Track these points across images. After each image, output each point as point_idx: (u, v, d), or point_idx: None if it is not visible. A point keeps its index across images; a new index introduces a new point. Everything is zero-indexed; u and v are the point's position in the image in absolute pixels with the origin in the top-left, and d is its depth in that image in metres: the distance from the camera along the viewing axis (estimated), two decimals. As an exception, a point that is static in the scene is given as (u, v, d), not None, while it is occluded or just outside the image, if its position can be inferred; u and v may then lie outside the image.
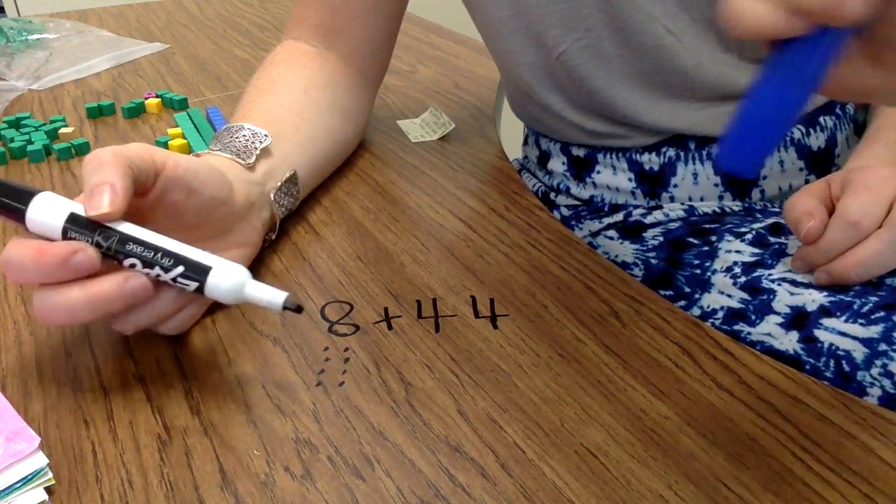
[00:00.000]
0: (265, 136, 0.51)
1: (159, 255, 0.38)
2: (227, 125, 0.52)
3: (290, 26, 0.68)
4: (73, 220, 0.38)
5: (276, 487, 0.34)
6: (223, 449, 0.36)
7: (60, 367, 0.41)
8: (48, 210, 0.38)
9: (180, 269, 0.38)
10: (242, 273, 0.38)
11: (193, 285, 0.38)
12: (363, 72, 0.67)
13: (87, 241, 0.37)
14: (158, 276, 0.38)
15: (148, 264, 0.38)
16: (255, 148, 0.50)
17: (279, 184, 0.51)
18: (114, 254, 0.38)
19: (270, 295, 0.38)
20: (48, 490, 0.34)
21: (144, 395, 0.39)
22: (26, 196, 0.38)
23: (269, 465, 0.35)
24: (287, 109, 0.57)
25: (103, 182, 0.37)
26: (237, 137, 0.51)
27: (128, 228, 0.38)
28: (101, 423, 0.37)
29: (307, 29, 0.66)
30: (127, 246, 0.38)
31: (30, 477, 0.33)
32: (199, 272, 0.38)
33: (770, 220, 0.55)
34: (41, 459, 0.34)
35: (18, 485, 0.33)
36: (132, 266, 0.38)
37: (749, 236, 0.53)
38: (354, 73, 0.66)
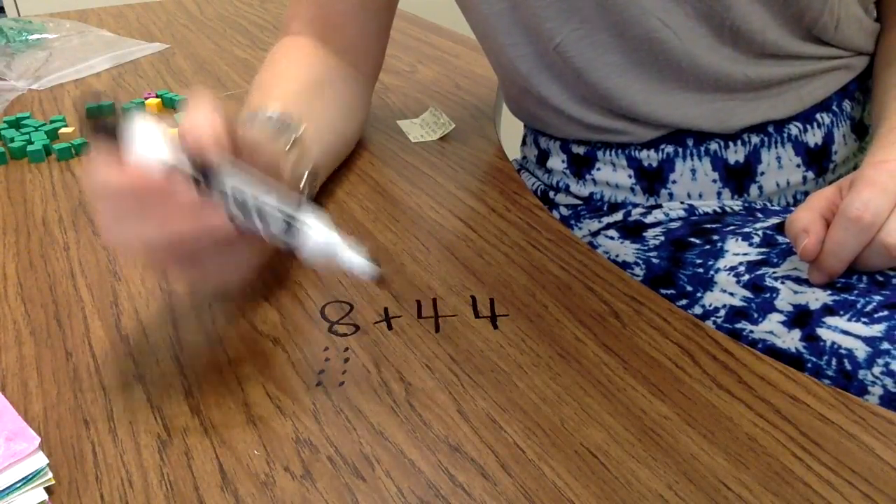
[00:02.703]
0: (297, 126, 0.51)
1: (266, 198, 0.37)
2: (254, 112, 0.51)
3: (285, 24, 0.70)
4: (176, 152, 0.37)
5: (276, 487, 0.34)
6: (223, 449, 0.36)
7: (60, 367, 0.41)
8: (150, 140, 0.37)
9: (282, 214, 0.37)
10: (334, 233, 0.37)
11: (290, 234, 0.37)
12: (358, 68, 0.67)
13: (191, 176, 0.36)
14: (258, 215, 0.37)
15: (243, 205, 0.37)
16: (290, 138, 0.50)
17: (306, 176, 0.51)
18: (212, 189, 0.36)
19: (360, 263, 0.37)
20: (48, 490, 0.34)
21: (144, 395, 0.39)
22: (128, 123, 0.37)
23: (269, 465, 0.35)
24: (300, 104, 0.57)
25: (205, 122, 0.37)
26: (270, 124, 0.50)
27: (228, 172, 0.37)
28: (101, 423, 0.37)
29: (302, 25, 0.67)
30: (227, 182, 0.37)
31: (30, 477, 0.33)
32: (295, 218, 0.37)
33: (773, 220, 0.55)
34: (41, 459, 0.34)
35: (18, 485, 0.33)
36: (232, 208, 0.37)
37: (757, 238, 0.53)
38: (351, 70, 0.66)
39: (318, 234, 0.37)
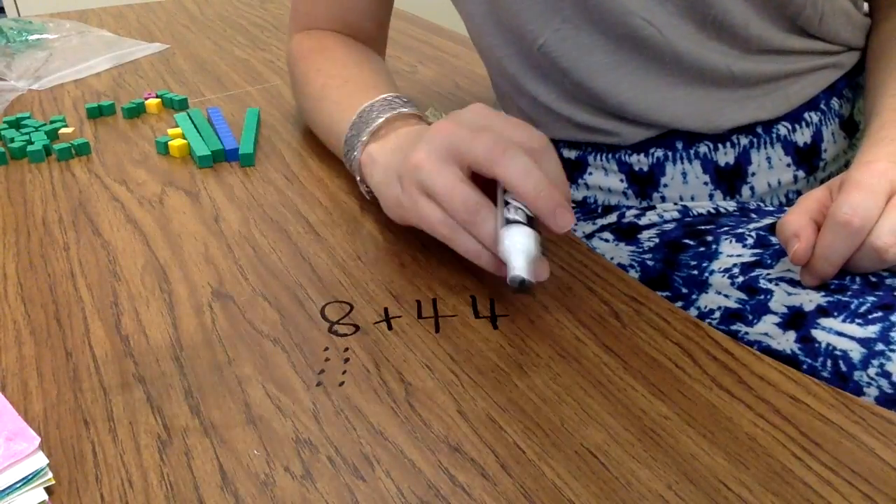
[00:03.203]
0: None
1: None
2: (387, 115, 0.55)
3: (297, 21, 0.73)
4: None
5: (276, 487, 0.34)
6: (223, 449, 0.36)
7: (60, 367, 0.41)
8: None
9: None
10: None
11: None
12: (379, 54, 0.72)
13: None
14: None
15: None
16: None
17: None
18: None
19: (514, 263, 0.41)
20: (48, 490, 0.34)
21: (144, 395, 0.39)
22: None
23: (269, 465, 0.35)
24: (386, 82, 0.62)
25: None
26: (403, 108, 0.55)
27: None
28: (101, 423, 0.37)
29: (322, 23, 0.71)
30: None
31: (30, 477, 0.33)
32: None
33: (767, 220, 0.55)
34: (41, 459, 0.34)
35: (18, 485, 0.33)
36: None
37: (750, 240, 0.53)
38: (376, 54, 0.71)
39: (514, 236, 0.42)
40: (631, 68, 0.57)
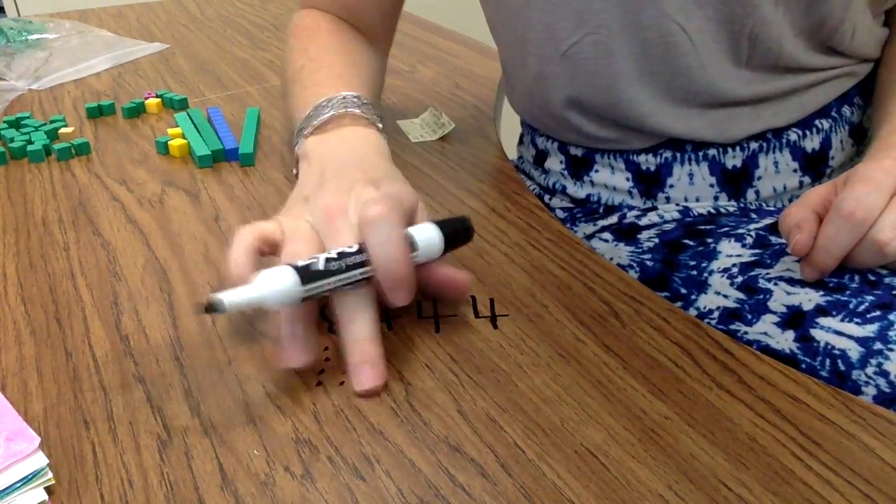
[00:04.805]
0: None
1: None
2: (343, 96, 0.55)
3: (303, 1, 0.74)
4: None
5: (276, 487, 0.34)
6: (223, 449, 0.36)
7: (60, 367, 0.41)
8: None
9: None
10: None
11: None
12: (376, 47, 0.71)
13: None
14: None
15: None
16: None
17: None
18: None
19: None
20: (48, 490, 0.34)
21: (144, 395, 0.39)
22: None
23: (269, 465, 0.35)
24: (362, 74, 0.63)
25: None
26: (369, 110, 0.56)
27: None
28: (101, 423, 0.37)
29: (324, 3, 0.71)
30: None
31: (30, 477, 0.33)
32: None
33: (767, 221, 0.55)
34: (41, 459, 0.34)
35: (18, 485, 0.33)
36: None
37: (750, 239, 0.53)
38: (370, 45, 0.70)
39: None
40: (654, 78, 0.56)
